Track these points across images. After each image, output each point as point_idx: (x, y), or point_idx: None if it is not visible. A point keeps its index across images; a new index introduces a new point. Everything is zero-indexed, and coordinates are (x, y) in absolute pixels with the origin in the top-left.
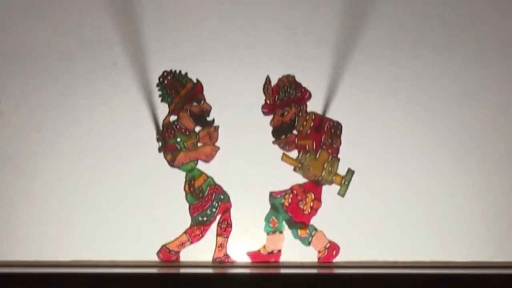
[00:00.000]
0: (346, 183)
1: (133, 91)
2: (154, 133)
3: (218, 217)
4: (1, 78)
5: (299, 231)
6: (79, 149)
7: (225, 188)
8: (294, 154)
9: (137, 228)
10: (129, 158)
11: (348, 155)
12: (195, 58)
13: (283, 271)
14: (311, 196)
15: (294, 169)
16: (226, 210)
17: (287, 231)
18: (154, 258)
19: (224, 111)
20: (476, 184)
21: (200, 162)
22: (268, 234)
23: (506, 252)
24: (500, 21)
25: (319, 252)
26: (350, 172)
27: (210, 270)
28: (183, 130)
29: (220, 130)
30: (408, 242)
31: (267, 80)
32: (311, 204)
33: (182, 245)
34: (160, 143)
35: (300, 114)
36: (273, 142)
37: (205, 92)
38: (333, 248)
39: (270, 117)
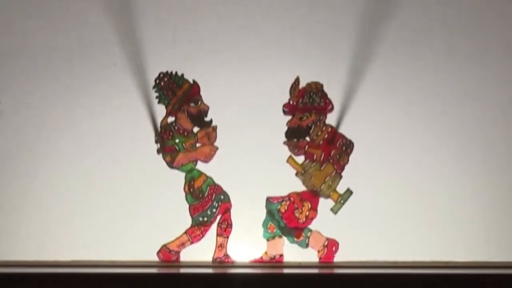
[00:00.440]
0: (342, 201)
1: (133, 91)
2: (154, 133)
3: (218, 217)
4: (1, 78)
5: (294, 238)
6: (79, 149)
7: (225, 188)
8: (300, 159)
9: (137, 228)
10: (129, 158)
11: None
12: (195, 58)
13: (281, 271)
14: (308, 205)
15: (296, 174)
16: (226, 210)
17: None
18: (154, 258)
19: (224, 111)
20: (476, 184)
21: (199, 162)
22: (268, 240)
23: (506, 252)
24: (500, 21)
25: (318, 251)
26: (348, 192)
27: (210, 270)
28: (181, 131)
29: (219, 131)
30: (408, 242)
31: (296, 81)
32: (307, 213)
33: (182, 245)
34: (158, 145)
35: (318, 123)
36: (284, 143)
37: (204, 93)
38: (331, 244)
39: (270, 117)
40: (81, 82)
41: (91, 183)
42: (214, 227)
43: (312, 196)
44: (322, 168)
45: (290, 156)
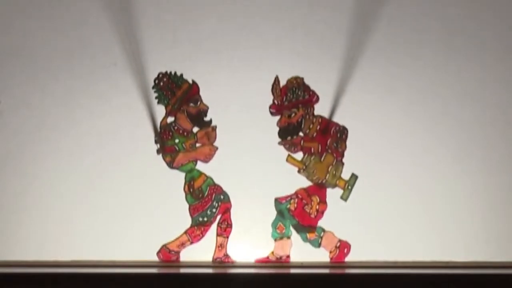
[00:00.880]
0: (350, 187)
1: (133, 92)
2: (154, 133)
3: (218, 217)
4: (1, 78)
5: (307, 235)
6: (79, 149)
7: (225, 188)
8: (298, 156)
9: (137, 228)
10: (129, 158)
11: (348, 155)
12: (195, 58)
13: (282, 271)
14: (316, 199)
15: (299, 171)
16: (226, 210)
17: (296, 236)
18: (154, 258)
19: (224, 111)
20: (476, 184)
21: (199, 162)
22: (275, 240)
23: (506, 252)
24: (500, 21)
25: (330, 252)
26: (354, 177)
27: (210, 270)
28: (181, 131)
29: (220, 131)
30: (408, 242)
31: (276, 80)
32: (317, 207)
33: (182, 245)
34: (158, 145)
35: (307, 116)
36: (279, 143)
37: (205, 93)
38: (343, 246)
39: (270, 117)
40: (81, 82)
41: (91, 183)
42: (214, 227)
43: (318, 189)
44: (322, 159)
45: (289, 155)
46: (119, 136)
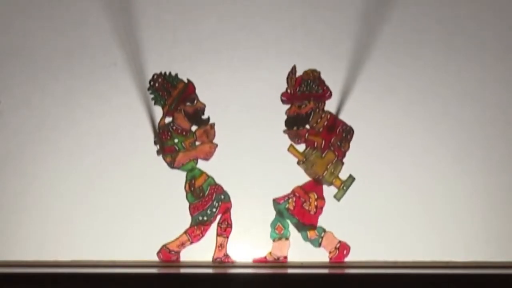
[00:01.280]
0: (345, 188)
1: (133, 92)
2: (153, 133)
3: (218, 217)
4: (1, 78)
5: (308, 234)
6: (79, 149)
7: (225, 188)
8: (301, 148)
9: (137, 228)
10: (129, 158)
11: (348, 154)
12: (195, 58)
13: (282, 271)
14: (314, 195)
15: (298, 163)
16: (227, 210)
17: (295, 236)
18: (154, 258)
19: (224, 111)
20: (476, 184)
21: (200, 161)
22: (274, 240)
23: (506, 252)
24: (500, 21)
25: (330, 252)
26: (351, 179)
27: (210, 270)
28: (179, 131)
29: (220, 131)
30: (408, 242)
31: (293, 70)
32: (315, 203)
33: (182, 245)
34: (158, 146)
35: (317, 110)
36: (284, 131)
37: (205, 93)
38: (343, 247)
39: (270, 117)
40: (81, 82)
41: (91, 183)
42: (214, 227)
43: (315, 185)
44: (323, 155)
45: (291, 145)
46: (119, 136)
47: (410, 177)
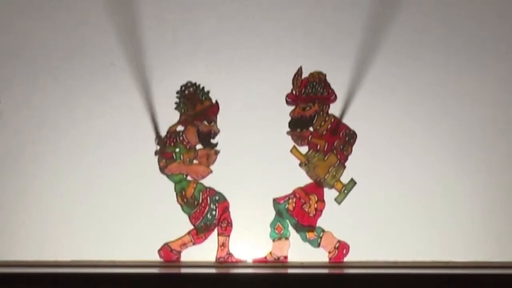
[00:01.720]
0: (346, 191)
1: (133, 92)
2: (154, 133)
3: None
4: (1, 78)
5: (307, 234)
6: (79, 149)
7: (224, 189)
8: (303, 150)
9: (137, 228)
10: (129, 158)
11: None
12: (195, 59)
13: (282, 271)
14: (314, 197)
15: (300, 164)
16: (225, 210)
17: (295, 236)
18: (155, 257)
19: (224, 111)
20: (476, 184)
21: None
22: (274, 240)
23: (506, 252)
24: (500, 21)
25: (329, 252)
26: (352, 182)
27: (210, 270)
28: (185, 143)
29: (220, 130)
30: (408, 242)
31: (299, 71)
32: (315, 205)
33: (185, 245)
34: (158, 147)
35: (321, 113)
36: (287, 133)
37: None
38: (342, 247)
39: (270, 117)
40: (81, 82)
41: (91, 183)
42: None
43: (316, 188)
44: (325, 158)
45: (294, 147)
46: (119, 136)
47: (410, 177)
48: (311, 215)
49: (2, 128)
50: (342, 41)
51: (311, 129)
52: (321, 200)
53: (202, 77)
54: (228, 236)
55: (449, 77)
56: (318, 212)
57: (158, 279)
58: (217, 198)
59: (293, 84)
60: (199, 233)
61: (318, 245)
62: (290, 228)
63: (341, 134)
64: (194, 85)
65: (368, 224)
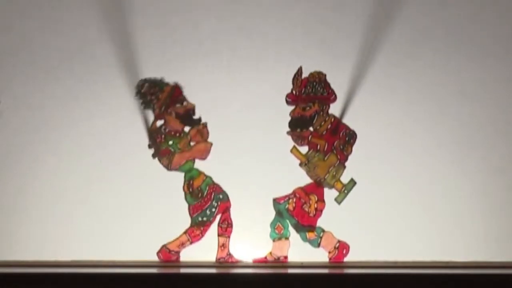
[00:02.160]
0: (346, 191)
1: (133, 92)
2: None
3: (218, 217)
4: (1, 78)
5: (307, 234)
6: (79, 149)
7: (225, 188)
8: (303, 150)
9: (137, 228)
10: (129, 158)
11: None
12: (195, 59)
13: (282, 271)
14: (314, 198)
15: (300, 164)
16: (226, 210)
17: (295, 236)
18: (154, 258)
19: (224, 111)
20: (476, 184)
21: (201, 161)
22: (274, 240)
23: (506, 252)
24: (500, 21)
25: (329, 252)
26: (352, 182)
27: (210, 270)
28: (172, 133)
29: (220, 130)
30: (408, 242)
31: (299, 71)
32: (315, 205)
33: (182, 245)
34: (153, 150)
35: (321, 113)
36: (287, 133)
37: (204, 93)
38: (342, 247)
39: (270, 117)
40: (81, 82)
41: (91, 183)
42: (214, 227)
43: (316, 188)
44: (325, 158)
45: (294, 146)
46: (119, 136)
47: (410, 177)
48: (311, 215)
49: (2, 128)
50: (342, 41)
51: (311, 129)
52: (321, 200)
53: (202, 77)
54: (229, 237)
55: (449, 77)
56: (318, 212)
57: (158, 279)
58: (221, 196)
59: (293, 84)
60: (193, 226)
61: (318, 245)
62: (290, 228)
63: (341, 134)
64: (146, 80)
65: (368, 224)
